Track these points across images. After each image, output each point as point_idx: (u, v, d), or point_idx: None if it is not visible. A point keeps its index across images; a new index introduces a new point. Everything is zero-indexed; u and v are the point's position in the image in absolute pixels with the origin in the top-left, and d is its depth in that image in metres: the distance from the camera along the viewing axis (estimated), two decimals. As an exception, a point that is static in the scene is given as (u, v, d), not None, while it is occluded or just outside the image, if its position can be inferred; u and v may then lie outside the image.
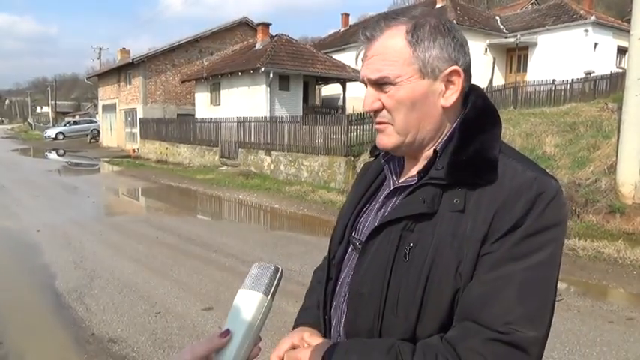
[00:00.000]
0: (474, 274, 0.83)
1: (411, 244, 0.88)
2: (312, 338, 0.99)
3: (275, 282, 0.82)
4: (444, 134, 0.95)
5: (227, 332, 0.77)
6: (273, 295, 0.82)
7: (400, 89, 0.91)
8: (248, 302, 0.80)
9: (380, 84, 0.92)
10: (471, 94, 0.97)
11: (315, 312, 1.10)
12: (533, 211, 0.83)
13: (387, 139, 0.95)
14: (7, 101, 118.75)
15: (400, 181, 1.00)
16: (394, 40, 0.91)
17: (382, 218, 0.96)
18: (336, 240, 1.09)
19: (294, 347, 0.98)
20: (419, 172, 0.94)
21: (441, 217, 0.88)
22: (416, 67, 0.90)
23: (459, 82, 0.92)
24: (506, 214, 0.83)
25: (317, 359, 0.90)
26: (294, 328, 1.09)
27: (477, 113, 0.94)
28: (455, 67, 0.91)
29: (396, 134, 0.94)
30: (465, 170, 0.88)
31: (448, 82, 0.92)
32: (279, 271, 0.84)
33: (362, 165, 1.25)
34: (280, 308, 3.94)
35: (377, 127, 0.96)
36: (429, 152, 0.95)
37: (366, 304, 0.93)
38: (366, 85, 0.96)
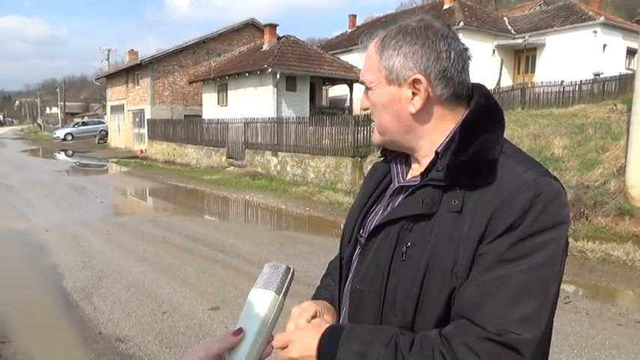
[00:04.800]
0: (470, 275, 0.84)
1: (409, 244, 0.90)
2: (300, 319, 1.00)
3: (287, 281, 0.83)
4: (445, 138, 0.95)
5: (240, 331, 0.77)
6: (285, 295, 0.83)
7: (374, 93, 0.98)
8: (260, 301, 0.81)
9: (365, 87, 1.01)
10: (474, 93, 0.97)
11: (333, 289, 1.13)
12: (531, 212, 0.82)
13: (374, 136, 1.06)
14: (17, 102, 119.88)
15: (404, 181, 1.02)
16: (370, 49, 0.99)
17: (381, 218, 0.98)
18: (344, 240, 1.10)
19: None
20: (421, 173, 0.95)
21: (439, 217, 0.88)
22: (382, 74, 0.96)
23: (423, 90, 0.93)
24: (503, 215, 0.83)
25: (313, 337, 0.90)
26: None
27: (479, 113, 0.95)
28: (417, 75, 0.92)
29: (377, 132, 1.03)
30: (463, 171, 0.89)
31: (415, 89, 0.93)
32: (291, 270, 0.85)
33: (369, 166, 1.28)
34: (287, 309, 3.94)
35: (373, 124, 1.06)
36: (430, 153, 0.96)
37: (365, 301, 0.95)
38: None
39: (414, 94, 0.93)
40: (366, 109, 1.03)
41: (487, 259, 0.83)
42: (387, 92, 0.96)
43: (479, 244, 0.84)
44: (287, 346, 0.92)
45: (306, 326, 0.96)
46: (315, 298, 1.15)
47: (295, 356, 0.91)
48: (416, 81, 0.93)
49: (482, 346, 0.79)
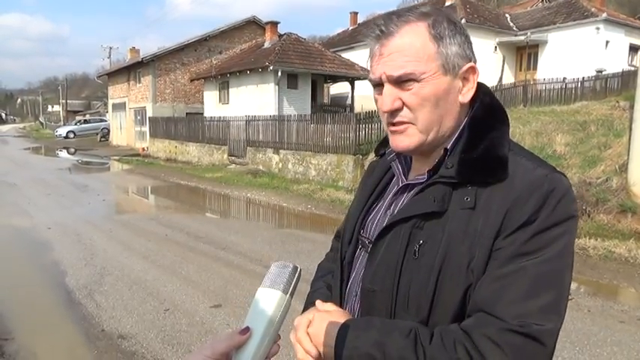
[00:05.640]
0: (487, 270, 0.84)
1: (421, 242, 0.89)
2: (325, 306, 0.98)
3: (294, 281, 0.83)
4: (453, 135, 0.95)
5: (247, 330, 0.78)
6: (292, 294, 0.83)
7: (425, 86, 0.89)
8: (267, 300, 0.81)
9: (401, 82, 0.90)
10: (478, 91, 0.97)
11: (325, 291, 1.13)
12: (546, 207, 0.83)
13: (409, 140, 0.93)
14: (19, 100, 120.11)
15: (409, 179, 1.01)
16: (416, 37, 0.89)
17: (391, 217, 0.97)
18: (345, 240, 1.09)
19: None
20: (428, 171, 0.94)
21: (451, 214, 0.88)
22: (439, 63, 0.90)
23: (474, 79, 0.94)
24: (518, 211, 0.83)
25: (334, 328, 0.89)
26: (304, 310, 1.08)
27: (485, 111, 0.95)
28: (471, 64, 0.93)
29: (419, 133, 0.92)
30: (475, 168, 0.89)
31: (464, 79, 0.93)
32: (298, 270, 0.85)
33: (369, 164, 1.24)
34: (293, 308, 3.94)
35: (394, 128, 0.93)
36: (438, 150, 0.95)
37: (377, 300, 0.94)
38: (377, 84, 0.93)
39: (462, 84, 0.93)
40: (398, 109, 0.91)
41: (503, 253, 0.83)
42: (444, 83, 0.90)
43: (495, 239, 0.84)
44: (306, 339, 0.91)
45: (322, 318, 0.93)
46: (308, 302, 1.14)
47: (312, 348, 0.90)
48: (469, 70, 0.93)
49: (504, 338, 0.79)
